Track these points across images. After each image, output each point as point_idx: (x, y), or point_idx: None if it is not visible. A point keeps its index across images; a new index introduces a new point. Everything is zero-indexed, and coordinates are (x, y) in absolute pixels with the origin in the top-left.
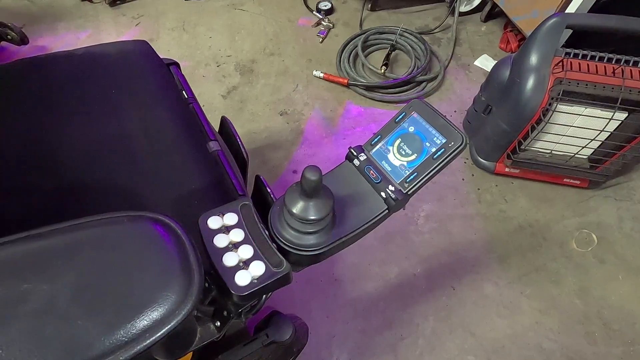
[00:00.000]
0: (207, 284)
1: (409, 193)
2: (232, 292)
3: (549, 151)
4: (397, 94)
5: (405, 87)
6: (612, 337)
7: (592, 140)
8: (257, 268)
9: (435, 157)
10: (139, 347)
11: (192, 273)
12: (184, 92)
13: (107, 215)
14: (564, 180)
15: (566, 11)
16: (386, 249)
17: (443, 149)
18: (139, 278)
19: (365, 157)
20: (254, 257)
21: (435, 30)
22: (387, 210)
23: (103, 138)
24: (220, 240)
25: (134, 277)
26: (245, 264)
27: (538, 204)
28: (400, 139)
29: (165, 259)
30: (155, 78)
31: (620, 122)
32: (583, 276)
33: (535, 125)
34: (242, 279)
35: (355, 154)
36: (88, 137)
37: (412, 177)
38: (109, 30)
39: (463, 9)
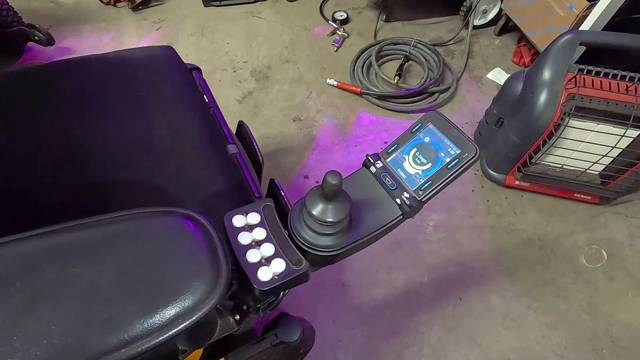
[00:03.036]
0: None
1: (423, 200)
2: (255, 286)
3: (560, 166)
4: (410, 104)
5: (418, 97)
6: (620, 355)
7: (603, 156)
8: (278, 265)
9: (449, 167)
10: (171, 332)
11: (221, 266)
12: (205, 96)
13: (144, 210)
14: (575, 195)
15: (580, 28)
16: (394, 257)
17: (457, 160)
18: (172, 268)
19: (381, 164)
20: (275, 255)
21: (449, 43)
22: (401, 216)
23: (130, 137)
24: (244, 238)
25: (168, 266)
26: (267, 260)
27: (548, 218)
28: (415, 149)
29: (196, 252)
30: (180, 82)
31: (632, 139)
32: (592, 292)
33: (547, 140)
34: (264, 274)
35: (372, 161)
36: (116, 136)
37: (426, 185)
38: (130, 34)
39: (477, 22)
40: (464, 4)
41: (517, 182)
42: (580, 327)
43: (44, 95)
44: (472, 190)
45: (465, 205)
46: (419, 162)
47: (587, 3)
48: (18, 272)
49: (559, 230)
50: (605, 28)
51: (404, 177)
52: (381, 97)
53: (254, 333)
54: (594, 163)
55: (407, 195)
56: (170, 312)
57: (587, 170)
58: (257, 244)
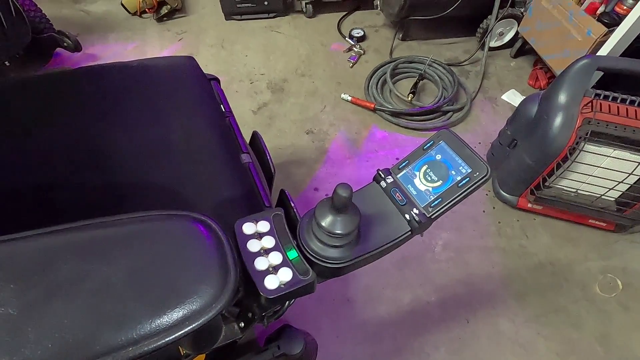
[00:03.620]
0: None
1: (432, 217)
2: (262, 294)
3: (574, 190)
4: (423, 121)
5: (431, 115)
6: None
7: (619, 182)
8: (285, 274)
9: (460, 185)
10: (178, 334)
11: (229, 271)
12: (221, 105)
13: (158, 213)
14: (589, 221)
15: (598, 53)
16: (401, 274)
17: (468, 178)
18: (183, 270)
19: (392, 179)
20: (283, 264)
21: (464, 63)
22: (410, 232)
23: (148, 142)
24: (253, 245)
25: (178, 269)
26: (274, 269)
27: (561, 243)
28: (427, 166)
29: (206, 256)
30: (199, 91)
31: None
32: (606, 322)
33: (561, 163)
34: (271, 283)
35: (382, 176)
36: (135, 140)
37: (436, 202)
38: (153, 44)
39: (493, 44)
40: (481, 25)
41: (529, 205)
42: (592, 358)
43: (68, 98)
44: (483, 211)
45: (476, 226)
46: (429, 179)
47: (605, 29)
48: (35, 267)
49: (572, 256)
50: (624, 54)
51: (414, 193)
52: (394, 114)
53: (257, 343)
54: (610, 189)
55: (417, 212)
56: (178, 313)
57: (603, 196)
58: (266, 252)
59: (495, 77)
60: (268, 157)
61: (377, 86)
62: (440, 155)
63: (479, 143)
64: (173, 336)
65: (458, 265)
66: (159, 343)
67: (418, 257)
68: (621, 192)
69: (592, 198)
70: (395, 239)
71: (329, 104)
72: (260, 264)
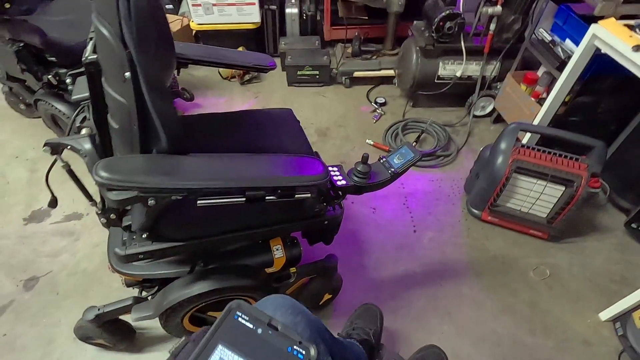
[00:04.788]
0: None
1: (397, 173)
2: (335, 185)
3: (518, 208)
4: (422, 161)
5: (429, 158)
6: (548, 334)
7: (535, 201)
8: (343, 182)
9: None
10: (311, 183)
11: (328, 173)
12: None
13: (297, 155)
14: (530, 231)
15: (533, 122)
16: (398, 254)
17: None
18: (310, 170)
19: (384, 159)
20: (343, 179)
21: (455, 124)
22: (389, 178)
23: (275, 148)
24: (334, 172)
25: (308, 169)
26: (341, 179)
27: (511, 245)
28: (399, 154)
29: (320, 167)
30: (297, 127)
31: (561, 192)
32: (534, 295)
33: (503, 187)
34: (339, 182)
35: (381, 160)
36: (269, 147)
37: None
38: (237, 99)
39: (478, 113)
40: (468, 100)
41: (489, 218)
42: (522, 314)
43: (230, 125)
44: (459, 221)
45: (452, 230)
46: (400, 160)
47: (540, 107)
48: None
49: (518, 254)
50: (551, 124)
51: (394, 163)
52: None
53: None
54: (531, 205)
55: (392, 170)
56: (310, 177)
57: (537, 213)
58: (340, 175)
59: (478, 136)
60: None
61: (392, 136)
62: (401, 154)
63: (461, 178)
64: (309, 183)
65: (437, 252)
66: (301, 184)
67: (410, 245)
68: (549, 210)
69: (530, 215)
70: (384, 180)
71: (357, 145)
72: (336, 178)
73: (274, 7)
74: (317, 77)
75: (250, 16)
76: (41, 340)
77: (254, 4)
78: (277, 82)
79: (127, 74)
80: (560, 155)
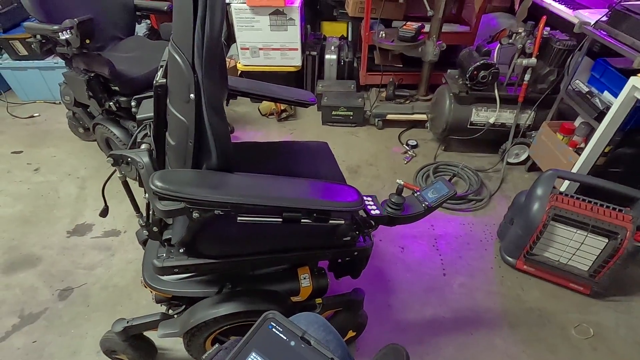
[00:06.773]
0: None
1: (431, 207)
2: (369, 214)
3: (557, 259)
4: (453, 204)
5: (460, 201)
6: None
7: (576, 250)
8: (378, 212)
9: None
10: (344, 209)
11: (363, 202)
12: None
13: (335, 182)
14: (570, 284)
15: (571, 170)
16: (427, 297)
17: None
18: (347, 196)
19: (418, 193)
20: (377, 209)
21: (488, 170)
22: (423, 212)
23: (312, 174)
24: (369, 203)
25: (345, 196)
26: (375, 209)
27: (548, 298)
28: (433, 189)
29: (356, 196)
30: (331, 158)
31: (605, 244)
32: (577, 355)
33: (540, 235)
34: (374, 212)
35: (415, 194)
36: (304, 172)
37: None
38: (274, 134)
39: (512, 160)
40: (501, 147)
41: (524, 267)
42: None
43: (266, 154)
44: (491, 267)
45: (484, 276)
46: (434, 194)
47: (579, 157)
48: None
49: (556, 308)
50: (590, 172)
51: (428, 197)
52: None
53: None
54: (572, 256)
55: (426, 204)
56: (346, 203)
57: (577, 265)
58: (374, 204)
59: (512, 182)
60: None
61: (422, 177)
62: (434, 189)
63: (494, 224)
64: (343, 209)
65: (468, 299)
66: (335, 208)
67: (440, 288)
68: (591, 262)
69: (569, 266)
70: (418, 213)
71: (387, 184)
72: (370, 207)
73: (314, 53)
74: (351, 117)
75: (292, 60)
76: (67, 351)
77: (297, 49)
78: (312, 120)
79: (192, 95)
80: (602, 205)
